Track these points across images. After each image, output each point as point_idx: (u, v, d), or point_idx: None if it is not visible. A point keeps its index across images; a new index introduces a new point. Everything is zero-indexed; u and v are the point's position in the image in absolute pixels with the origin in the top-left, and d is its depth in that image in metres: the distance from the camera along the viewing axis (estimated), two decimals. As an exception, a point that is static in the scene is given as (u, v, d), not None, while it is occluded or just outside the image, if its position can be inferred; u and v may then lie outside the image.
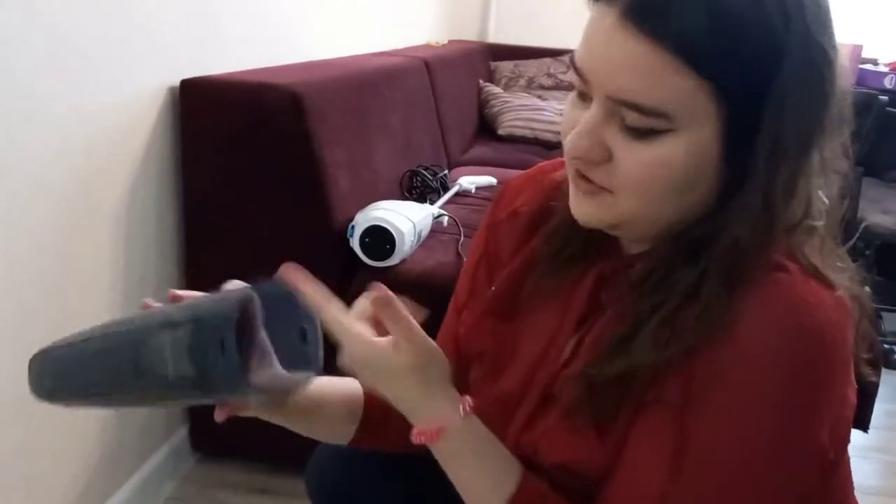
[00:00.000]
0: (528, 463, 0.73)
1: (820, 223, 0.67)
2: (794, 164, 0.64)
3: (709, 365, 0.62)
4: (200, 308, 0.65)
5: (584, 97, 0.67)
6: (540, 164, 0.89)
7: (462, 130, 3.04)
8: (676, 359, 0.64)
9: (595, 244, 0.76)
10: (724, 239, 0.64)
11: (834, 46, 0.63)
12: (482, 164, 2.74)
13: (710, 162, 0.64)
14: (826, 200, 0.68)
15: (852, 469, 0.76)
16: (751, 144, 0.63)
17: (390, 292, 0.66)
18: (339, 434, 0.87)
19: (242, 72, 1.72)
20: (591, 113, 0.65)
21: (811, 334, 0.61)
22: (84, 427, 1.43)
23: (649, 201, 0.65)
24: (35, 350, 0.73)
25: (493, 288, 0.83)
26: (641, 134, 0.63)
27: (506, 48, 3.93)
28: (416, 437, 0.69)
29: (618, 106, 0.63)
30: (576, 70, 0.66)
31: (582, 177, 0.68)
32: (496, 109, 3.34)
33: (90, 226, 1.37)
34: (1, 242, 1.16)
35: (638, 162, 0.63)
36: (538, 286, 0.79)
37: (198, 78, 1.59)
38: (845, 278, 0.66)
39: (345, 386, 0.87)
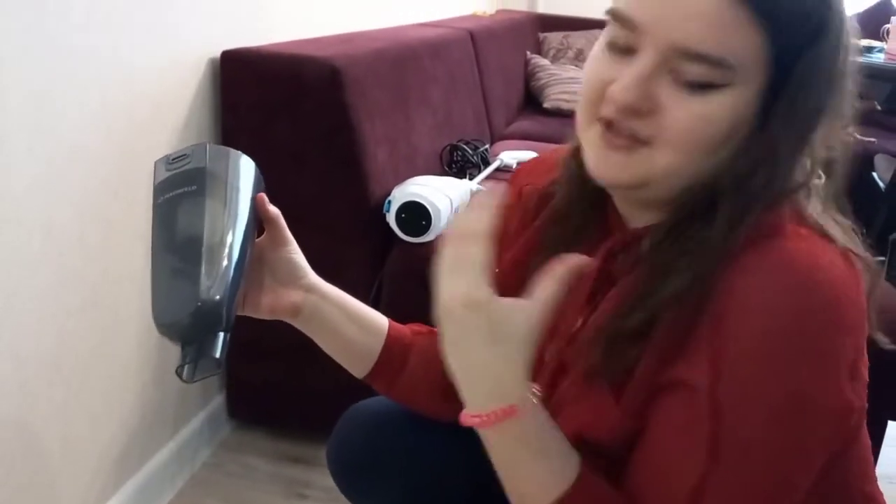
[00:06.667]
0: None
1: (819, 182, 0.68)
2: (800, 138, 0.65)
3: (724, 338, 0.62)
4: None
5: (626, 50, 0.65)
6: (556, 147, 0.89)
7: (507, 103, 3.00)
8: (690, 316, 0.63)
9: (596, 223, 0.76)
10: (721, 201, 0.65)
11: (856, 28, 0.66)
12: (526, 137, 2.71)
13: (745, 121, 0.64)
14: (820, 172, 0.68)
15: (882, 458, 0.75)
16: (769, 111, 0.64)
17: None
18: (359, 356, 0.89)
19: (282, 44, 1.72)
20: (643, 64, 0.63)
21: (814, 293, 0.60)
22: (122, 392, 1.46)
23: (687, 156, 0.65)
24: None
25: (497, 270, 0.83)
26: (696, 88, 0.62)
27: (556, 19, 3.86)
28: (469, 420, 0.63)
29: (677, 57, 0.62)
30: (622, 21, 0.64)
31: (613, 131, 0.66)
32: (543, 82, 3.29)
33: (130, 192, 1.39)
34: (39, 206, 1.18)
35: (689, 115, 0.63)
36: (545, 266, 0.79)
37: (238, 49, 1.59)
38: (853, 242, 0.66)
39: (375, 314, 0.90)
